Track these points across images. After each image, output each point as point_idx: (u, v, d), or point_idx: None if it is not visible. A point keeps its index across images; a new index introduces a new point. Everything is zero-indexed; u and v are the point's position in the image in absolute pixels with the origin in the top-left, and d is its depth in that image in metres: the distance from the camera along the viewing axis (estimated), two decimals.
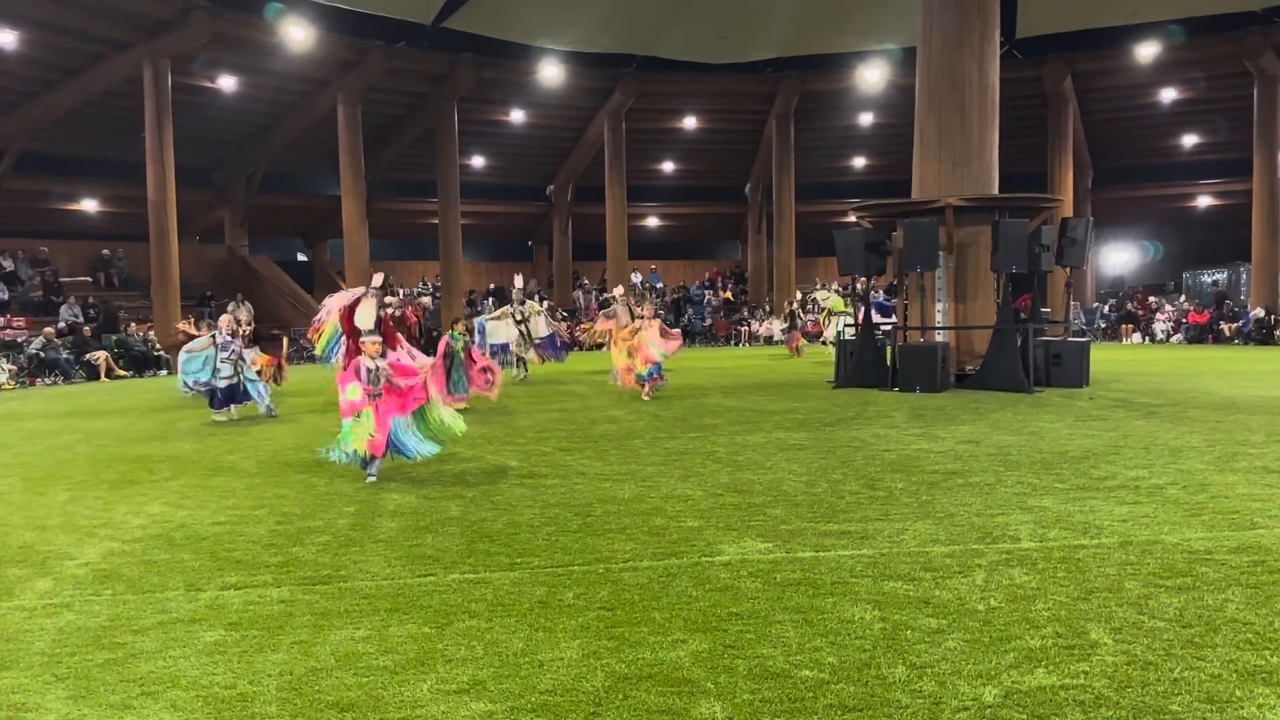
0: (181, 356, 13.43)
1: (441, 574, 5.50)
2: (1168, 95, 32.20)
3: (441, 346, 13.08)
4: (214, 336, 13.15)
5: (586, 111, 33.75)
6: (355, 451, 8.12)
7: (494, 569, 5.57)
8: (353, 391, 8.08)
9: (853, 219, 18.33)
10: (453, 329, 13.68)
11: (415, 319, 15.98)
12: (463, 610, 4.85)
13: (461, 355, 13.25)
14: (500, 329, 17.83)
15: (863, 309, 16.83)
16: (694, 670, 4.02)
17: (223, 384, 12.87)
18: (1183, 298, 33.73)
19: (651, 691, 3.83)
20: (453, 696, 3.84)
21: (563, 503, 7.29)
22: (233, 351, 12.93)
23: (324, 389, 16.01)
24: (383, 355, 8.37)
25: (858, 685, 3.83)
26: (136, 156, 25.20)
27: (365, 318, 8.86)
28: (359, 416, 8.07)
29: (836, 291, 23.81)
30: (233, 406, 13.04)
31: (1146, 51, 29.56)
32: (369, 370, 8.18)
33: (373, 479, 8.18)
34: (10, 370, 20.71)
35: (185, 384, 13.24)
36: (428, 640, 4.44)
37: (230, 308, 21.81)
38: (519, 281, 18.91)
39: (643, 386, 14.35)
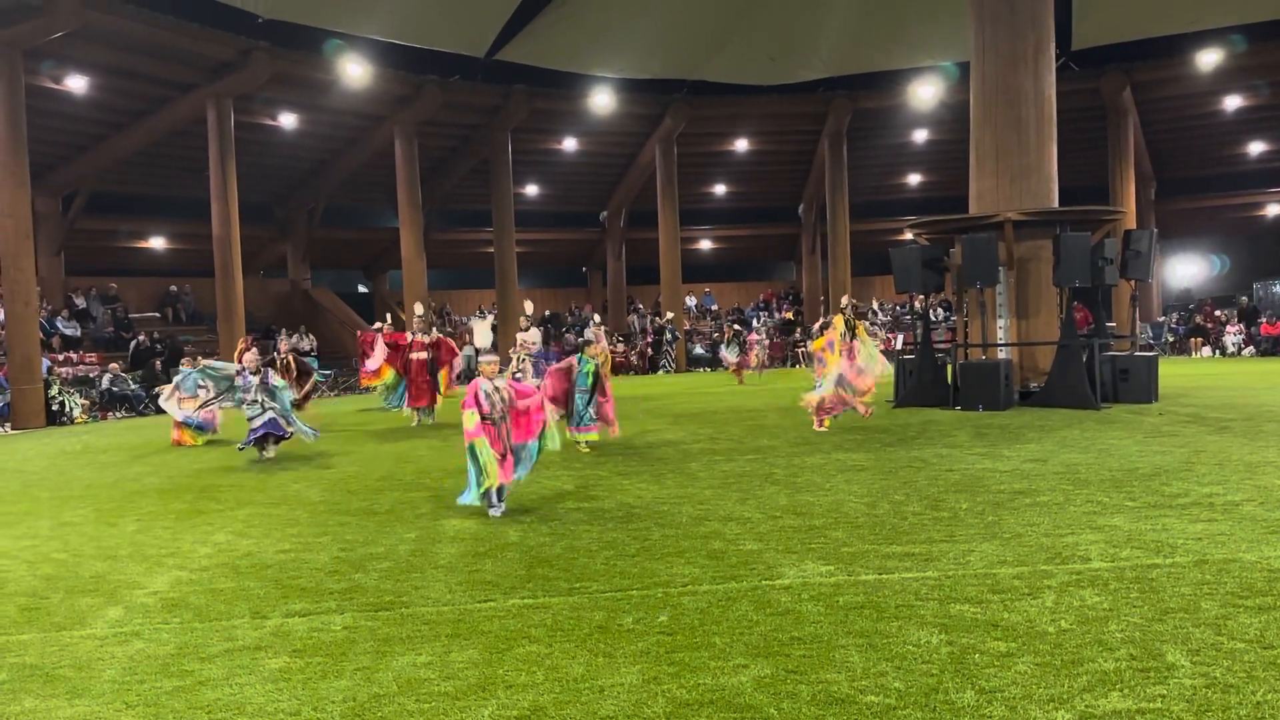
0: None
1: (501, 599, 5.51)
2: (1231, 103, 31.39)
3: (568, 366, 11.91)
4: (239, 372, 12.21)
5: (638, 137, 33.96)
6: (483, 491, 7.77)
7: (553, 594, 5.57)
8: (469, 420, 7.77)
9: (909, 236, 18.14)
10: (581, 352, 12.04)
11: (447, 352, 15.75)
12: (522, 635, 4.85)
13: (589, 383, 11.73)
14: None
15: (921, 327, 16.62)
16: (756, 696, 3.96)
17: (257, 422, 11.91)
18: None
19: (714, 718, 3.78)
20: None
21: (620, 526, 7.27)
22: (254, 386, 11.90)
23: (371, 418, 16.21)
24: (499, 375, 8.12)
25: (925, 711, 3.75)
26: (202, 194, 25.87)
27: (482, 337, 8.68)
28: (473, 448, 7.72)
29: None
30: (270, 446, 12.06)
31: (1207, 60, 28.90)
32: (487, 394, 7.90)
33: (497, 512, 7.84)
34: (84, 404, 21.30)
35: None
36: (488, 665, 4.45)
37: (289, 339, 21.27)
38: (529, 308, 17.63)
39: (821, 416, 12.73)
